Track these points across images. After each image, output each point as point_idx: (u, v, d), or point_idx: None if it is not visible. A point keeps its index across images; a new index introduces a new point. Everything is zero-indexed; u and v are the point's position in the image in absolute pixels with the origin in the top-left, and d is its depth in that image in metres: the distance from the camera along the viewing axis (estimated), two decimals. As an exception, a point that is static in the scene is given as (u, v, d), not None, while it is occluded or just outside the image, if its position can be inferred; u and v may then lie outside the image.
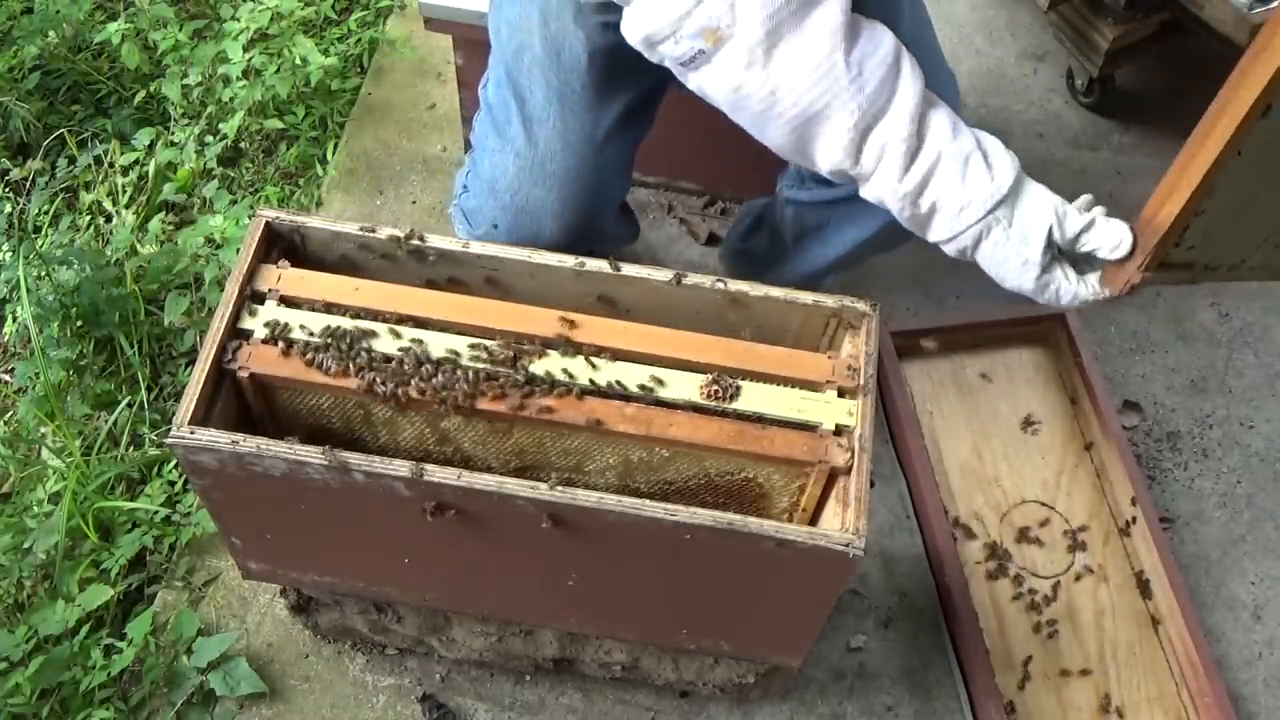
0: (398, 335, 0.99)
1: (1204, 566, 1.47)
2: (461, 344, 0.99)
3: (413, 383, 0.95)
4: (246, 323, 0.99)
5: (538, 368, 0.97)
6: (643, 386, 0.97)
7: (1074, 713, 1.31)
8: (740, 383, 0.98)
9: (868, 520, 0.93)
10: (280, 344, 0.97)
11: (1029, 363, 1.61)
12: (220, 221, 1.65)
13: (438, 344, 0.98)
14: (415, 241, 1.03)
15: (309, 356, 0.97)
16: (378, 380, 0.95)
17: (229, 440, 0.92)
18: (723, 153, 1.47)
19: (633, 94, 1.18)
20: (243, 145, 1.87)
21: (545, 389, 0.96)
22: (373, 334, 0.98)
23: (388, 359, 0.97)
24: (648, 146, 1.27)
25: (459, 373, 0.96)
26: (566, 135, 1.17)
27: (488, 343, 0.98)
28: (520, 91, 1.19)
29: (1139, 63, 1.98)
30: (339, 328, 0.98)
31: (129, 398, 1.51)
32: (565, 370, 0.97)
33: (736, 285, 1.03)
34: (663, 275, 1.03)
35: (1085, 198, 0.94)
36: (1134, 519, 1.42)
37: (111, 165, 1.81)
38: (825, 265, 1.36)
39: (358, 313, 1.00)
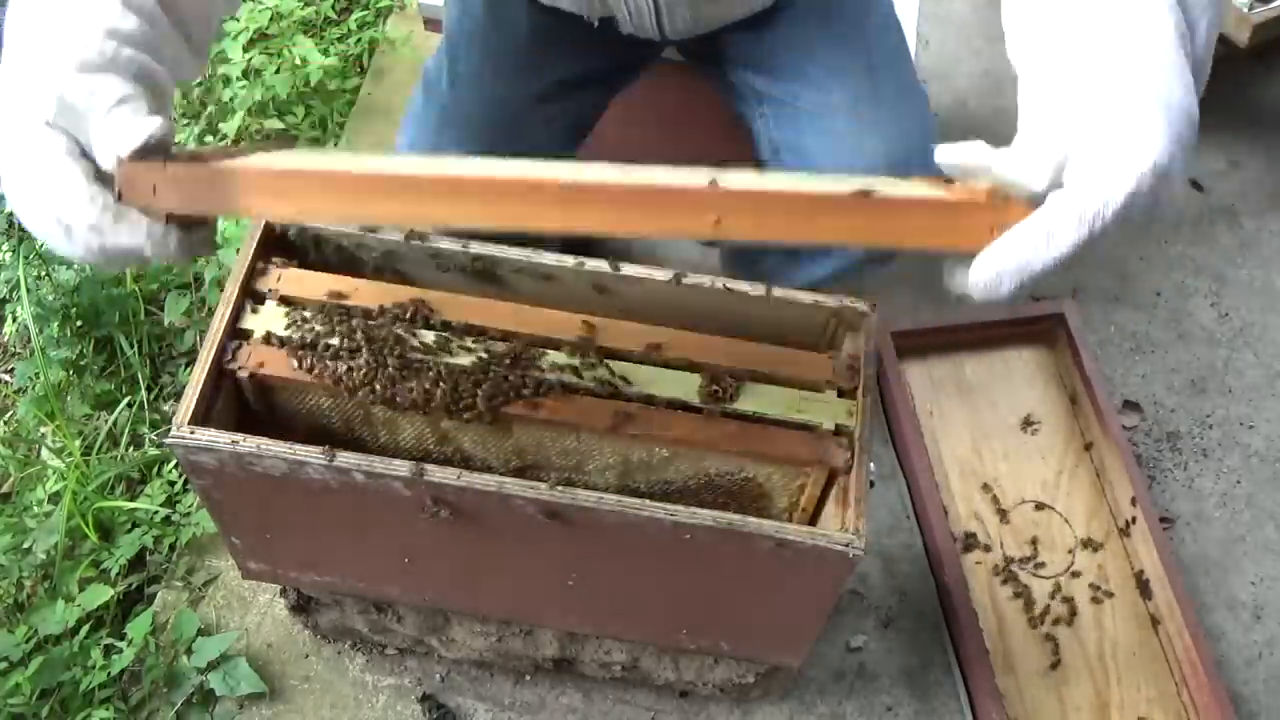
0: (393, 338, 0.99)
1: (1204, 566, 1.47)
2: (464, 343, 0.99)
3: (412, 385, 0.95)
4: (247, 322, 0.99)
5: (535, 369, 0.97)
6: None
7: (1074, 713, 1.31)
8: (740, 383, 0.98)
9: (868, 520, 0.93)
10: (280, 344, 0.97)
11: (1029, 363, 1.61)
12: (220, 221, 1.65)
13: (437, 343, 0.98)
14: (415, 241, 1.03)
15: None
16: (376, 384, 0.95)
17: (229, 440, 0.92)
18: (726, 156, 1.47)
19: (569, 72, 1.20)
20: (243, 145, 1.87)
21: (544, 390, 0.96)
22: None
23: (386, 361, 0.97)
24: (646, 147, 1.27)
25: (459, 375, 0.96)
26: (494, 95, 1.19)
27: (491, 345, 0.98)
28: (455, 53, 1.21)
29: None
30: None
31: (129, 398, 1.51)
32: (562, 370, 0.97)
33: (737, 285, 1.03)
34: (663, 275, 1.02)
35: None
36: (1134, 519, 1.42)
37: (111, 165, 1.81)
38: (825, 275, 1.37)
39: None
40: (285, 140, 0.86)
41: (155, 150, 0.64)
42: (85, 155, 0.65)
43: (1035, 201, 0.59)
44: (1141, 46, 0.58)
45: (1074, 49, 0.60)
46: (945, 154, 0.62)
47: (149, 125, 0.64)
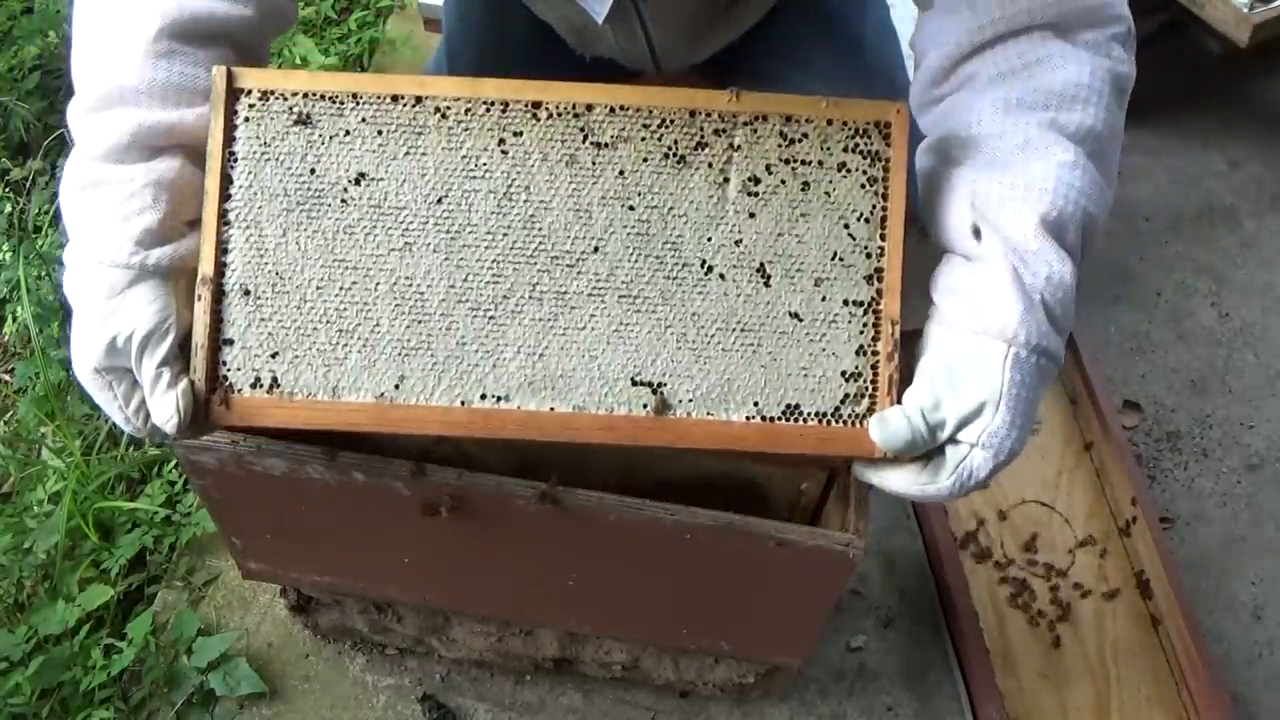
0: None
1: (1204, 566, 1.47)
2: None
3: None
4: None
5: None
6: None
7: (1074, 713, 1.31)
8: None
9: (868, 520, 0.93)
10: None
11: (1029, 363, 1.61)
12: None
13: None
14: None
15: None
16: None
17: (229, 440, 0.92)
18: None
19: (567, 75, 1.20)
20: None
21: None
22: None
23: None
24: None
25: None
26: None
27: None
28: (454, 56, 1.20)
29: (1139, 63, 1.99)
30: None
31: (129, 398, 1.51)
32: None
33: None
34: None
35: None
36: (1134, 519, 1.42)
37: (111, 165, 1.81)
38: None
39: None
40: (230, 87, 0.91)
41: (188, 420, 0.77)
42: (136, 382, 0.77)
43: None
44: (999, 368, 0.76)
45: (980, 341, 0.77)
46: (877, 434, 0.79)
47: (172, 414, 0.76)
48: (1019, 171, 0.77)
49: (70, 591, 1.33)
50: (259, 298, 0.80)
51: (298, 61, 1.94)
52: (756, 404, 0.81)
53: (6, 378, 1.61)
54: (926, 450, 0.78)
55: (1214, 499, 1.54)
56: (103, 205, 0.76)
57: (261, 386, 0.80)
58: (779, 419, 0.81)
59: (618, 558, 1.01)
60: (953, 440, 0.77)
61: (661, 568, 1.01)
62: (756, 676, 1.22)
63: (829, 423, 0.81)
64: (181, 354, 0.78)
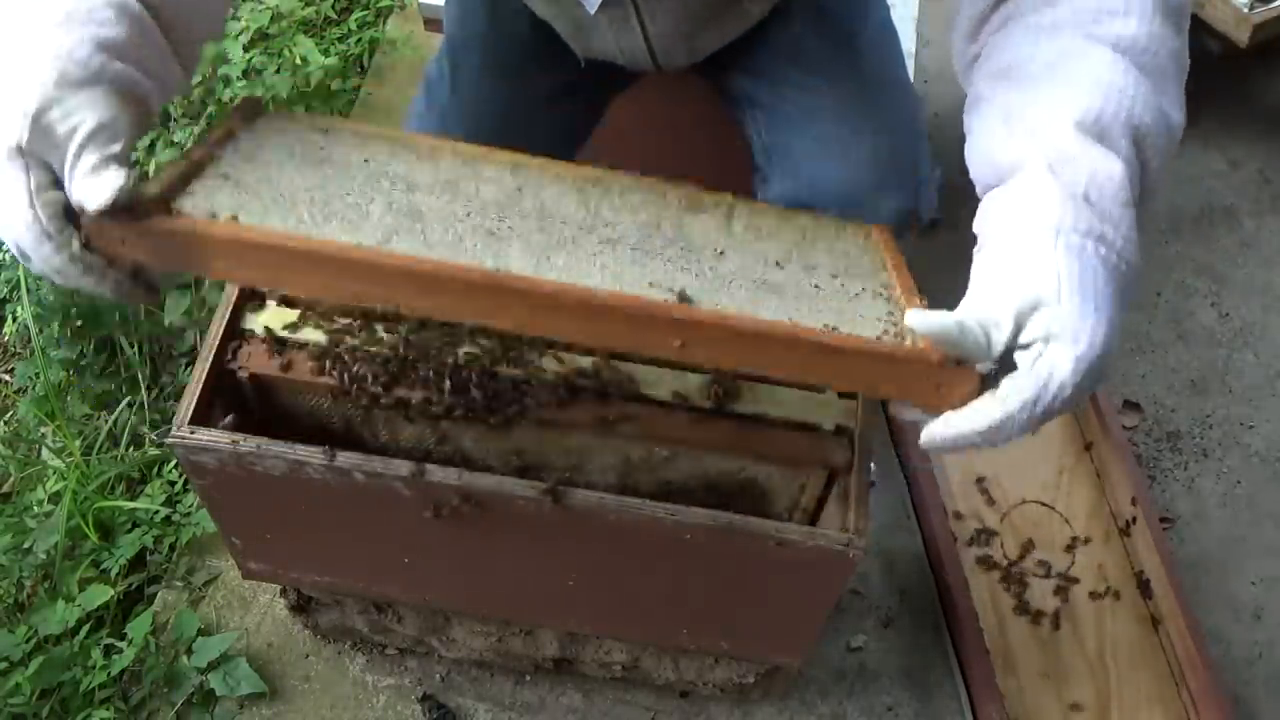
0: (395, 334, 0.98)
1: (1204, 566, 1.47)
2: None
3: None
4: (247, 322, 0.99)
5: (533, 367, 0.97)
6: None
7: (1074, 713, 1.31)
8: (740, 383, 0.98)
9: (868, 520, 0.93)
10: (281, 345, 0.97)
11: (1029, 363, 1.61)
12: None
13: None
14: None
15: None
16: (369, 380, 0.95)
17: (229, 440, 0.92)
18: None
19: (569, 76, 1.20)
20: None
21: (544, 391, 0.96)
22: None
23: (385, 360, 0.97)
24: (646, 150, 1.27)
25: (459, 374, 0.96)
26: (494, 99, 1.20)
27: (483, 342, 0.98)
28: (456, 57, 1.21)
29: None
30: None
31: (129, 398, 1.51)
32: (561, 370, 0.97)
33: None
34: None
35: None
36: (1134, 519, 1.42)
37: (111, 165, 1.80)
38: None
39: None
40: (253, 104, 0.89)
41: (123, 204, 0.64)
42: (57, 184, 0.65)
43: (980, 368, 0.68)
44: (1075, 253, 0.66)
45: (1024, 236, 0.67)
46: (917, 320, 0.67)
47: (113, 182, 0.63)
48: (1050, 83, 0.71)
49: (70, 591, 1.33)
50: (239, 184, 0.75)
51: (298, 61, 1.93)
52: (792, 320, 0.74)
53: (6, 378, 1.61)
54: (985, 359, 0.67)
55: (1214, 499, 1.54)
56: (67, 6, 0.66)
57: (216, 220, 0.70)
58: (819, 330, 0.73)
59: (618, 558, 1.01)
60: (1019, 348, 0.66)
61: (662, 568, 1.01)
62: (756, 676, 1.22)
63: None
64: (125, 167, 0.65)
